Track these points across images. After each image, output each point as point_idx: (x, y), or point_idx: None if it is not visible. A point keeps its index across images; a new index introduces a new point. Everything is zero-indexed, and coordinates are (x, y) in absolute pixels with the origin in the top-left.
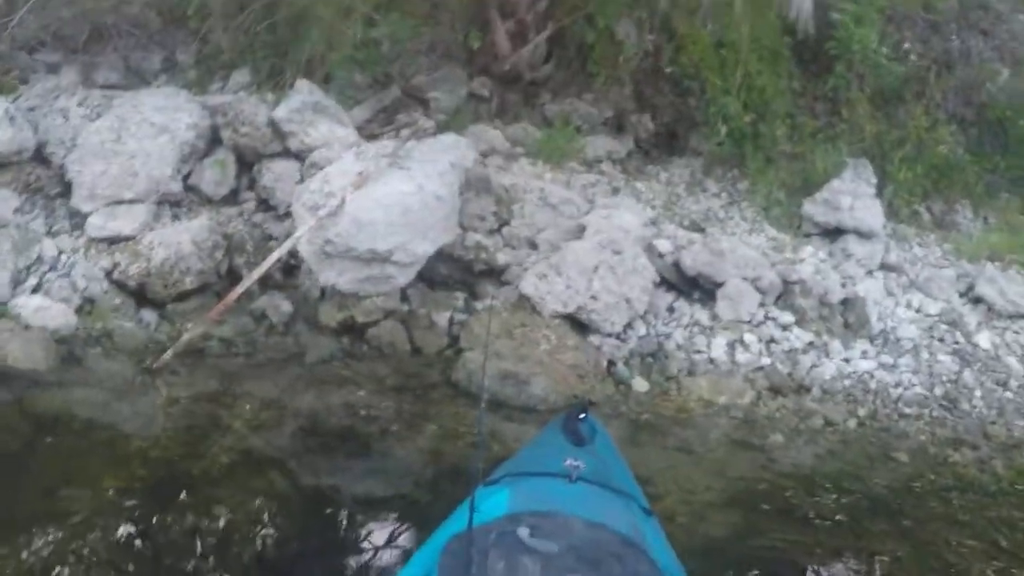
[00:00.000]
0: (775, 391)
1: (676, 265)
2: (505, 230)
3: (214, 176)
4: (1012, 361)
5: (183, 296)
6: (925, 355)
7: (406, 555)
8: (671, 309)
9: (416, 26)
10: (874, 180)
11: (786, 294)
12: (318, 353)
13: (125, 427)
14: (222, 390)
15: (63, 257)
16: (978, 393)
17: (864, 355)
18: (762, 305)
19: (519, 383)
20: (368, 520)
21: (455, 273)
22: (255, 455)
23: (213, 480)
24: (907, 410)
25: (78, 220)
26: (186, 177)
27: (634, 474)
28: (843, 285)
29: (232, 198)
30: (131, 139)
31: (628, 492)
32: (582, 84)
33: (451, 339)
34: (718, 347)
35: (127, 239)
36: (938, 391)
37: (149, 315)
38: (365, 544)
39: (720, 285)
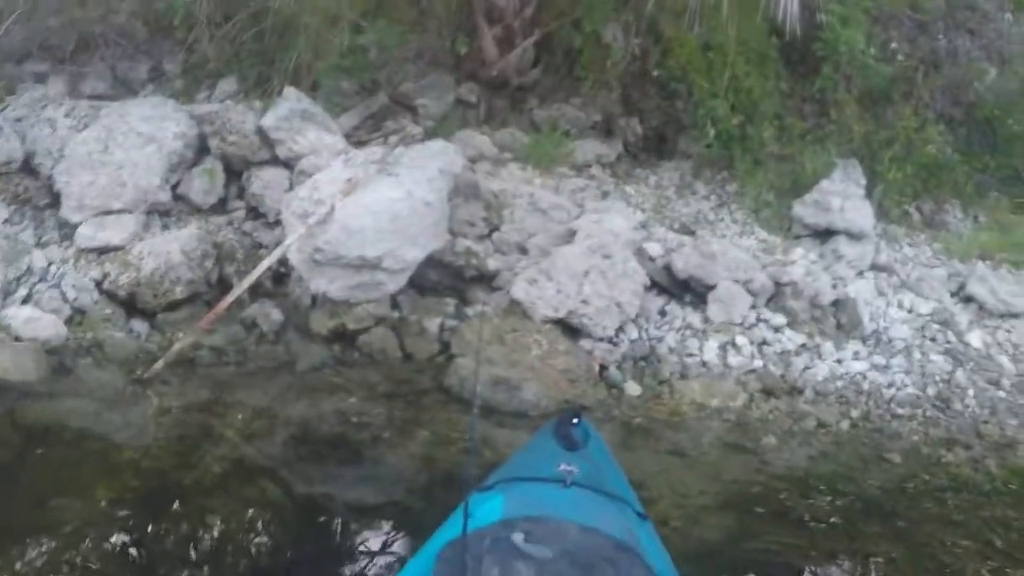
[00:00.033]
0: (768, 393)
1: (667, 268)
2: (495, 236)
3: (203, 185)
4: (1004, 360)
5: (173, 306)
6: (917, 355)
7: (400, 562)
8: (663, 312)
9: (403, 33)
10: (863, 181)
11: (777, 296)
12: (309, 361)
13: (116, 437)
14: (213, 399)
15: (53, 268)
16: (971, 392)
17: (856, 356)
18: (754, 307)
19: (511, 388)
20: (361, 527)
21: (445, 279)
22: (247, 464)
23: (205, 489)
24: (900, 411)
25: (67, 231)
26: (175, 186)
27: (627, 478)
28: (834, 286)
29: (221, 207)
30: (119, 149)
31: (622, 496)
32: (570, 89)
33: (442, 345)
34: (710, 350)
35: (116, 249)
36: (931, 391)
37: (139, 325)
38: (358, 552)
39: (711, 288)
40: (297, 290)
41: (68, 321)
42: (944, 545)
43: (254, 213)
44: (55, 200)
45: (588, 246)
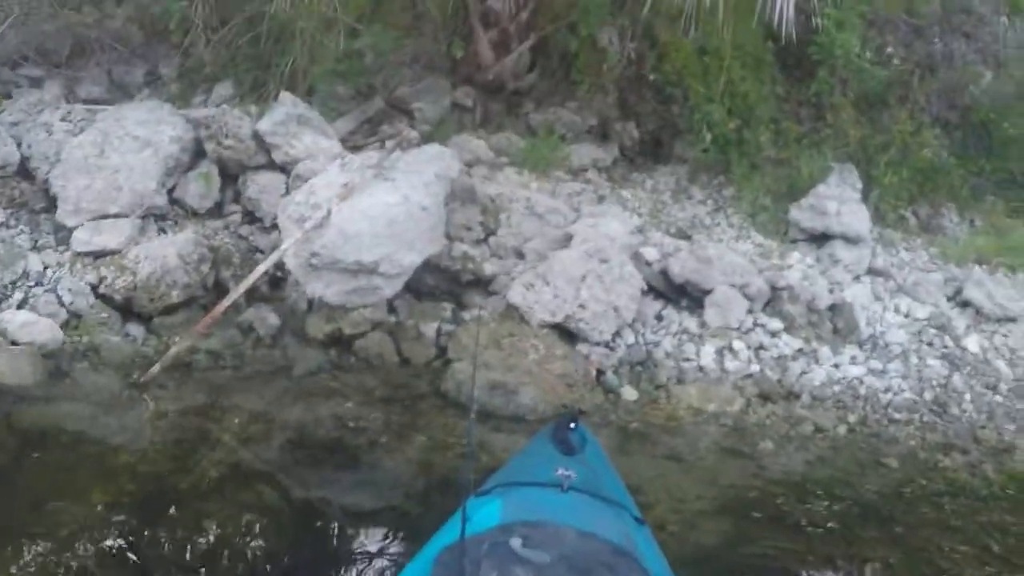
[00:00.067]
0: (765, 398)
1: (663, 273)
2: (492, 240)
3: (199, 189)
4: (1001, 364)
5: (170, 310)
6: (914, 360)
7: (397, 567)
8: (659, 317)
9: (399, 37)
10: (859, 185)
11: (774, 300)
12: (306, 365)
13: (113, 441)
14: (210, 403)
15: (49, 272)
16: (968, 397)
17: (853, 361)
18: (750, 312)
19: (508, 393)
20: (358, 532)
21: (442, 284)
22: (244, 468)
23: (202, 494)
24: (897, 415)
25: (63, 235)
26: (171, 191)
27: (624, 483)
28: (831, 291)
29: (217, 211)
30: (114, 153)
31: (620, 501)
32: (566, 93)
33: (439, 350)
34: (707, 355)
35: (113, 253)
36: (928, 396)
37: (136, 329)
38: (355, 556)
39: (708, 292)
40: (293, 294)
41: (64, 325)
42: (941, 550)
43: (250, 217)
44: (51, 204)
45: (585, 250)
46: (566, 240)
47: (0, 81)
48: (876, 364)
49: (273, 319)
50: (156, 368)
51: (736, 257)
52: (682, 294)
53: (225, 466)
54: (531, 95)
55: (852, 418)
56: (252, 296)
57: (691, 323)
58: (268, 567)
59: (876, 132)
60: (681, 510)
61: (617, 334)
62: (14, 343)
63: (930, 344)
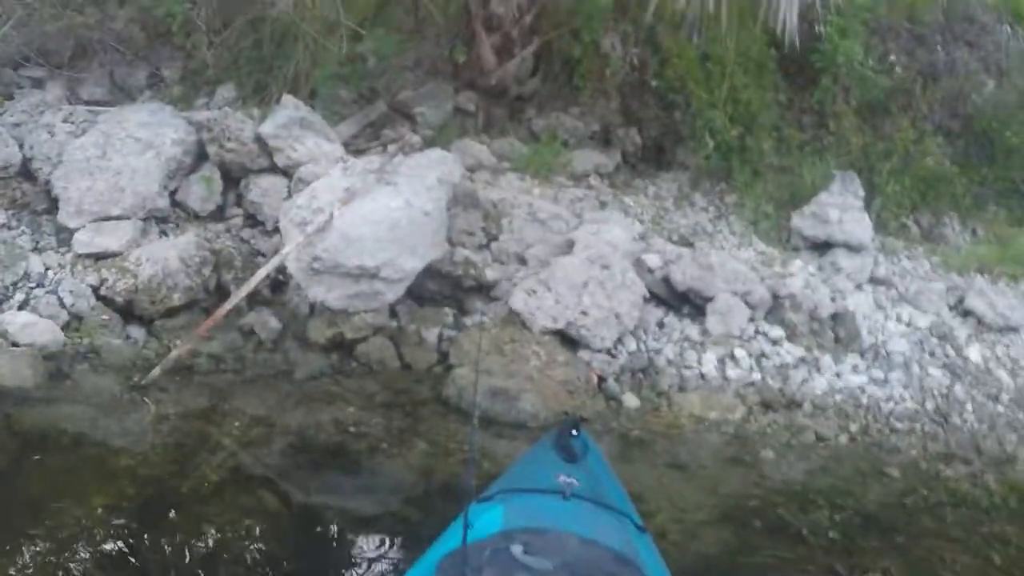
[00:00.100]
0: (766, 406)
1: (666, 280)
2: (494, 245)
3: (201, 192)
4: (1003, 374)
5: (171, 312)
6: (916, 369)
7: (397, 572)
8: (661, 324)
9: (401, 41)
10: (862, 193)
11: (776, 308)
12: (307, 369)
13: (113, 444)
14: (211, 407)
15: (50, 273)
16: (969, 407)
17: (855, 370)
18: (752, 320)
19: (509, 399)
20: (358, 538)
21: (444, 289)
22: (244, 472)
23: (202, 497)
24: (898, 425)
25: (65, 236)
26: (173, 193)
27: (626, 490)
28: (833, 299)
29: (219, 214)
30: (117, 155)
31: (621, 509)
32: (568, 98)
33: (441, 355)
34: (708, 362)
35: (114, 255)
36: (929, 405)
37: (137, 331)
38: (355, 562)
39: (710, 300)
40: (295, 298)
41: (65, 327)
42: (943, 561)
43: (252, 220)
44: (53, 205)
45: (587, 257)
46: (568, 246)
47: (2, 82)
48: (878, 373)
49: (274, 323)
50: (157, 371)
51: (738, 265)
52: (684, 301)
53: (225, 470)
54: (533, 100)
55: (854, 427)
56: (253, 300)
57: (693, 331)
58: (267, 572)
59: (878, 140)
60: (682, 518)
61: (619, 341)
62: (15, 344)
63: (932, 353)
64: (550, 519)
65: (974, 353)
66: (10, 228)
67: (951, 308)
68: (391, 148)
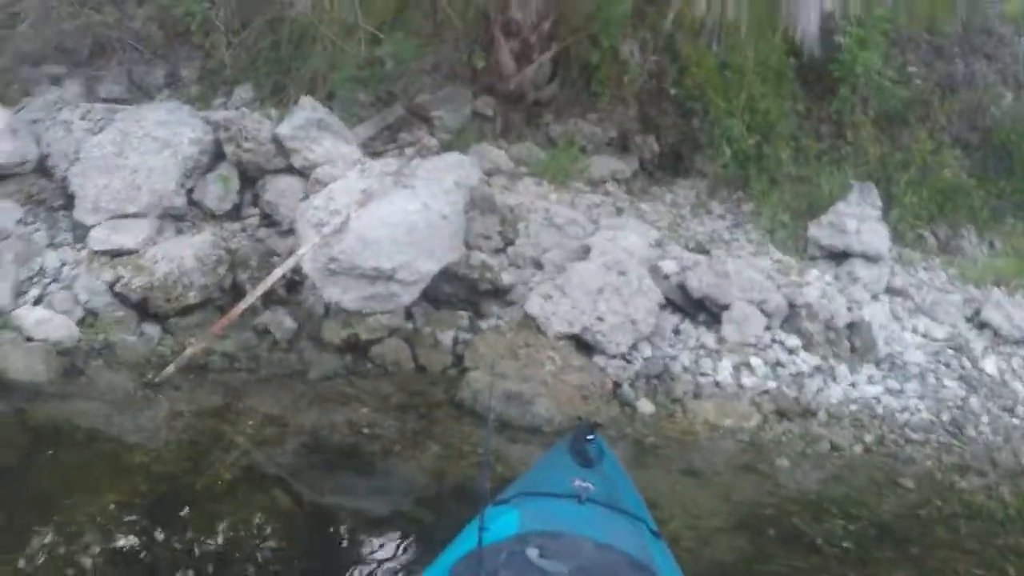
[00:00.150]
0: (781, 415)
1: (682, 287)
2: (510, 250)
3: (217, 191)
4: (1018, 387)
5: (186, 310)
6: (931, 380)
7: (409, 574)
8: (677, 331)
9: (420, 46)
10: (879, 203)
11: (792, 317)
12: (322, 370)
13: (127, 440)
14: (225, 405)
15: (65, 269)
16: (984, 419)
17: (870, 380)
18: (768, 328)
19: (523, 403)
20: (371, 539)
21: (460, 292)
22: (258, 471)
23: (215, 496)
24: (913, 436)
25: (81, 232)
26: (189, 192)
27: (641, 496)
28: (849, 309)
29: (235, 213)
30: (134, 153)
31: (637, 514)
32: (586, 104)
33: (455, 358)
34: (724, 370)
35: (130, 252)
36: (944, 417)
37: (151, 329)
38: (368, 563)
39: (726, 307)
40: (310, 298)
41: (80, 323)
42: (957, 573)
43: (268, 220)
44: (69, 202)
45: (603, 263)
46: (584, 252)
47: (20, 79)
48: (893, 384)
49: (289, 323)
50: (171, 368)
51: (754, 273)
52: (700, 309)
53: (239, 468)
54: (551, 106)
55: (869, 437)
56: (269, 299)
57: (708, 338)
58: (280, 571)
59: (896, 151)
60: (696, 525)
61: (634, 347)
62: (29, 339)
63: (947, 365)
64: (565, 523)
65: (990, 365)
66: (26, 224)
67: (967, 320)
68: (408, 151)
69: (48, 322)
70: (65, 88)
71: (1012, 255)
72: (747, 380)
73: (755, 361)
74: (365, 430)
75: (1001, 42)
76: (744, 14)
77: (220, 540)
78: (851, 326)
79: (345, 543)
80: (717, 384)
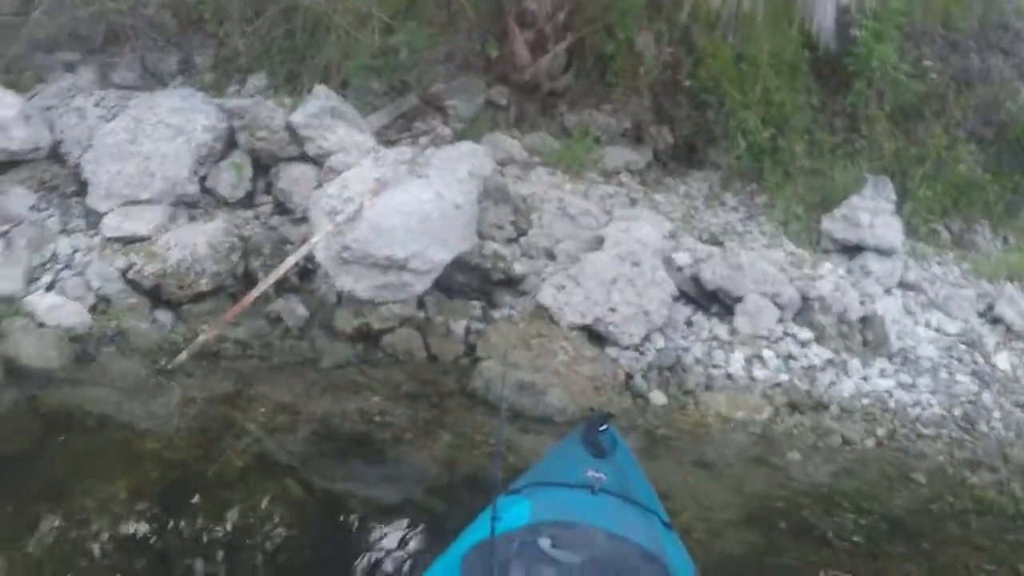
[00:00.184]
0: (793, 408)
1: (695, 279)
2: (523, 240)
3: (230, 179)
4: None
5: (198, 298)
6: (944, 375)
7: (417, 562)
8: (689, 323)
9: (434, 35)
10: (893, 197)
11: (805, 310)
12: (333, 358)
13: (138, 427)
14: (236, 393)
15: (78, 255)
16: (996, 415)
17: (883, 374)
18: (781, 321)
19: (536, 394)
20: (382, 527)
21: (472, 282)
22: (269, 459)
23: (226, 483)
24: (925, 430)
25: (93, 219)
26: (202, 179)
27: (653, 487)
28: (862, 302)
29: (248, 201)
30: (147, 140)
31: (649, 506)
32: (601, 95)
33: (468, 348)
34: (736, 362)
35: (143, 239)
36: (956, 412)
37: (164, 316)
38: (378, 552)
39: (739, 300)
40: (323, 287)
41: (92, 309)
42: (968, 569)
43: (281, 208)
44: (82, 188)
45: (617, 253)
46: (598, 242)
47: (34, 65)
48: (906, 378)
49: (301, 311)
50: (183, 355)
51: (768, 265)
52: (713, 300)
53: (250, 456)
54: (566, 96)
55: (880, 431)
56: (281, 287)
57: (721, 330)
58: (290, 558)
59: (911, 145)
60: (707, 517)
61: (647, 338)
62: (41, 325)
63: (960, 360)
64: (578, 513)
65: (1002, 361)
66: (39, 210)
67: (980, 315)
68: (422, 140)
69: (60, 308)
70: (79, 75)
71: None
72: (759, 373)
73: (767, 354)
74: (376, 419)
75: (1017, 37)
76: (760, 6)
77: (231, 527)
78: (864, 320)
79: (356, 531)
80: (729, 376)
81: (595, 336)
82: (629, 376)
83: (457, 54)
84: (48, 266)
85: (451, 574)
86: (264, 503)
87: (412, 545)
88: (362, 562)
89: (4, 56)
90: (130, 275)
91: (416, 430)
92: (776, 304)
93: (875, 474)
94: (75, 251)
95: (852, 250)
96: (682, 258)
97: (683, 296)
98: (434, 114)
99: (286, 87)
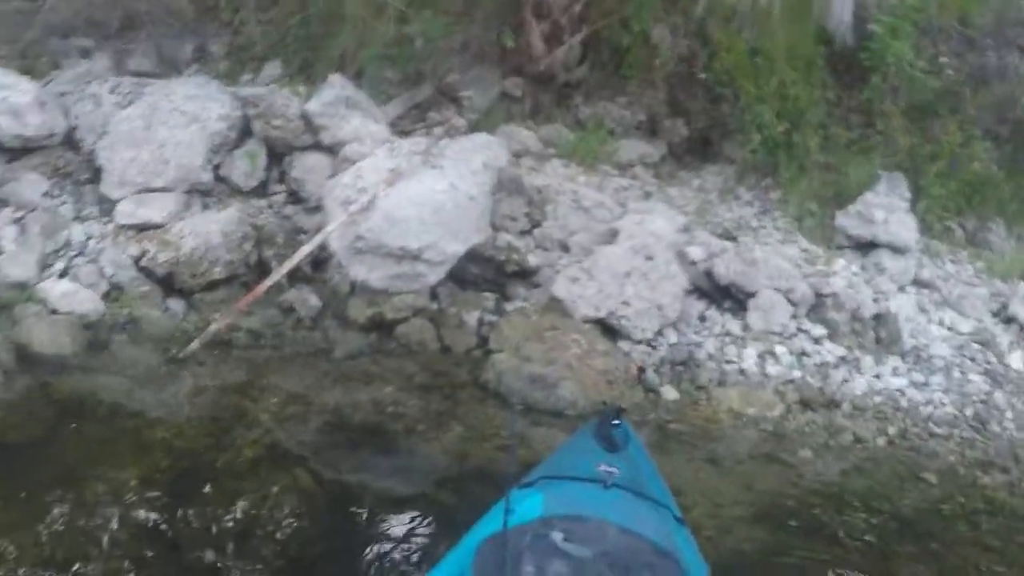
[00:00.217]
0: (805, 405)
1: (708, 273)
2: (537, 232)
3: (244, 167)
4: None
5: (211, 286)
6: (956, 374)
7: (426, 554)
8: (702, 318)
9: (449, 25)
10: (908, 194)
11: (818, 307)
12: (346, 348)
13: (150, 415)
14: (248, 382)
15: (91, 242)
16: (1009, 415)
17: (895, 372)
18: (794, 317)
19: (548, 387)
20: (392, 518)
21: (486, 273)
22: (280, 449)
23: (237, 473)
24: (937, 430)
25: (107, 206)
26: (216, 167)
27: (665, 482)
28: (875, 300)
29: (262, 190)
30: (162, 127)
31: (661, 500)
32: (616, 87)
33: (480, 339)
34: (749, 358)
35: (156, 227)
36: (968, 411)
37: (176, 304)
38: (389, 543)
39: (752, 295)
40: (336, 277)
41: (105, 296)
42: (978, 570)
43: (295, 197)
44: (96, 175)
45: (631, 247)
46: (611, 235)
47: (50, 51)
48: (918, 376)
49: (314, 300)
50: (195, 344)
51: (781, 261)
52: (726, 295)
53: (261, 446)
54: (581, 88)
55: (892, 430)
56: (294, 276)
57: (734, 325)
58: (301, 550)
59: (926, 142)
60: (718, 514)
61: (659, 333)
62: (54, 312)
63: (973, 359)
64: (590, 507)
65: (1016, 360)
66: (53, 197)
67: (994, 314)
68: (437, 131)
69: (73, 295)
70: (94, 61)
71: None
72: (772, 369)
73: (780, 350)
74: (389, 409)
75: None
76: (777, 1)
77: (241, 517)
78: (877, 317)
79: (366, 522)
80: (742, 372)
81: (608, 329)
82: (641, 370)
83: (472, 44)
84: (61, 253)
85: (464, 565)
86: (275, 493)
87: (422, 537)
88: (372, 553)
89: (19, 42)
90: (143, 263)
91: (428, 421)
92: (789, 300)
93: (886, 473)
94: (88, 238)
95: (866, 247)
96: (696, 252)
97: (696, 290)
98: (449, 105)
99: (301, 76)
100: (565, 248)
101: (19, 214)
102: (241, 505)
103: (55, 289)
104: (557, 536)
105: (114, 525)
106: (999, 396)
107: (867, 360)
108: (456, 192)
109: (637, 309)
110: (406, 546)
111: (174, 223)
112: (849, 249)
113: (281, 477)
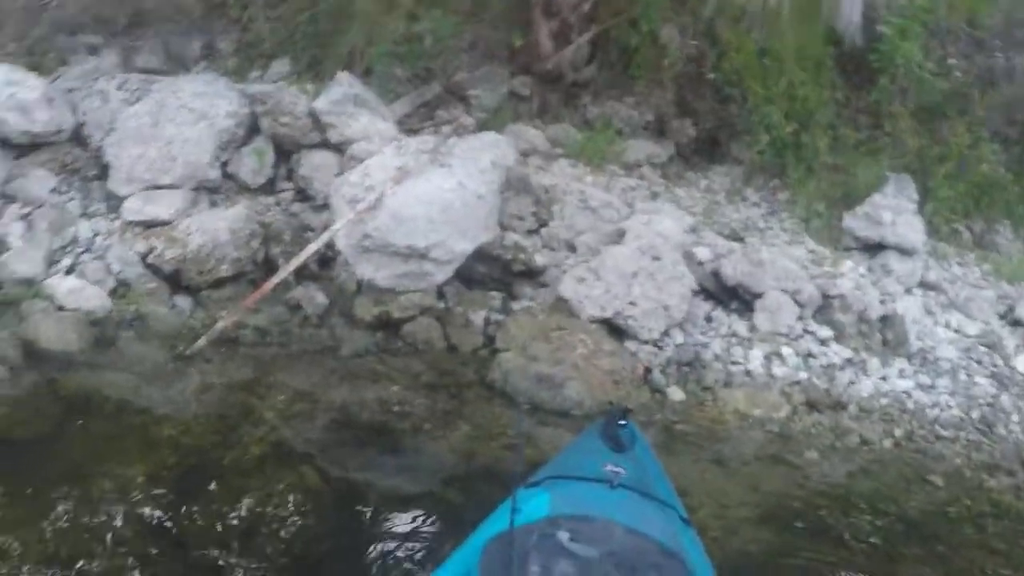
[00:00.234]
0: (811, 406)
1: (715, 274)
2: (544, 231)
3: (252, 164)
4: None
5: (218, 283)
6: (963, 377)
7: (432, 553)
8: (709, 318)
9: (458, 23)
10: (915, 196)
11: (825, 308)
12: (352, 346)
13: (156, 412)
14: (255, 380)
15: (98, 239)
16: (1015, 418)
17: (902, 374)
18: (801, 318)
19: (554, 386)
20: (398, 517)
21: (493, 272)
22: (286, 447)
23: (243, 470)
24: (943, 432)
25: (114, 203)
26: (224, 164)
27: (672, 483)
28: (882, 302)
29: (269, 187)
30: (170, 124)
31: (667, 501)
32: (624, 87)
33: (487, 338)
34: (755, 359)
35: (163, 224)
36: (975, 414)
37: (183, 301)
38: (395, 541)
39: (759, 296)
40: (343, 275)
41: (112, 293)
42: (984, 573)
43: (302, 195)
44: (103, 172)
45: (638, 247)
46: (619, 235)
47: (57, 48)
48: (924, 379)
49: (321, 298)
50: (202, 341)
51: (788, 262)
52: (733, 296)
53: (267, 443)
54: (589, 88)
55: (898, 432)
56: (301, 274)
57: (740, 326)
58: (307, 547)
59: (934, 143)
60: (724, 515)
61: (666, 333)
62: (61, 308)
63: (979, 362)
64: (596, 507)
65: (1022, 363)
66: (60, 193)
67: (1001, 317)
68: (445, 129)
69: (80, 292)
70: (102, 58)
71: None
72: (778, 370)
73: (786, 351)
74: (395, 408)
75: None
76: (786, 1)
77: (247, 515)
78: (884, 319)
79: (372, 521)
80: (748, 373)
81: (615, 330)
82: (648, 371)
83: (481, 43)
84: (68, 249)
85: (470, 564)
86: (281, 491)
87: (428, 535)
88: (378, 551)
89: (27, 38)
90: (150, 260)
91: (434, 420)
92: (796, 301)
93: (892, 475)
94: (96, 235)
95: (873, 248)
96: (703, 253)
97: (703, 291)
98: (457, 103)
99: (309, 73)
100: (572, 248)
101: (26, 210)
102: (247, 502)
103: (62, 285)
104: (563, 536)
105: (120, 522)
106: (1005, 399)
107: (873, 362)
108: (464, 191)
109: (644, 309)
110: (412, 544)
111: (181, 220)
112: (856, 251)
113: (287, 475)
